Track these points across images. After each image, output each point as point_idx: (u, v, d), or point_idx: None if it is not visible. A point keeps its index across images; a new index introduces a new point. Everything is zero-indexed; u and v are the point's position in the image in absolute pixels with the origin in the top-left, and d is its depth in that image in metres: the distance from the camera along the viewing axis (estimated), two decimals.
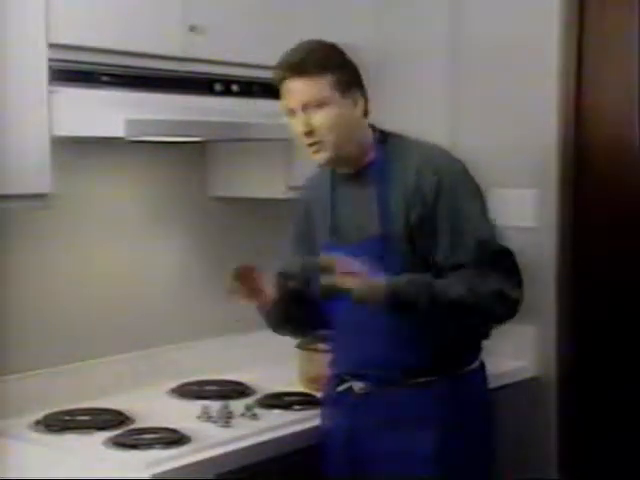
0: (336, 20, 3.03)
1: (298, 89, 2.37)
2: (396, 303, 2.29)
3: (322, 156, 2.41)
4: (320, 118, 2.36)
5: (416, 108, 3.33)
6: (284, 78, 2.39)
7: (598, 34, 3.31)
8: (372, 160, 2.46)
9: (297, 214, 2.65)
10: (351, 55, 2.45)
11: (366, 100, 2.46)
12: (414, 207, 2.37)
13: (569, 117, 3.34)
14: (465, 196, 2.39)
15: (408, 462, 2.40)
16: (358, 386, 2.47)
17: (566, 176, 3.36)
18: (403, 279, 2.31)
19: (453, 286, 2.31)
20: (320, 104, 2.36)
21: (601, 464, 3.32)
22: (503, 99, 3.45)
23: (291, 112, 2.40)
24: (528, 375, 3.35)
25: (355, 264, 2.25)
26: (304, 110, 2.37)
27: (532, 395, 3.35)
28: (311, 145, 2.40)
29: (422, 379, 2.40)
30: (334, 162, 2.45)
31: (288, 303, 2.50)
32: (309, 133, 2.38)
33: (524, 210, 3.35)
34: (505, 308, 2.38)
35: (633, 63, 3.26)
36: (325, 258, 2.28)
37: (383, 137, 2.49)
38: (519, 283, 2.40)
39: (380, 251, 2.37)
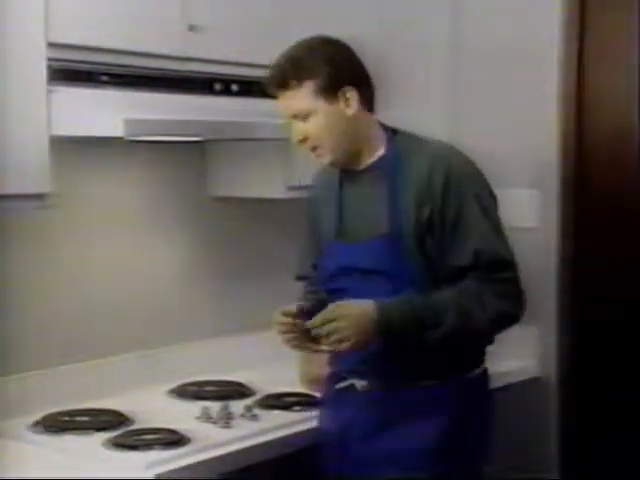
0: (336, 21, 3.03)
1: (282, 103, 2.39)
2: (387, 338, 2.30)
3: (324, 160, 2.43)
4: (309, 127, 2.37)
5: (416, 108, 3.32)
6: (271, 91, 2.41)
7: (598, 34, 3.31)
8: (381, 157, 2.43)
9: (307, 212, 2.65)
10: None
11: (367, 94, 2.42)
12: (425, 206, 2.33)
13: (569, 117, 3.34)
14: (470, 199, 2.34)
15: (408, 460, 2.38)
16: (360, 384, 2.45)
17: (567, 176, 3.36)
18: (394, 313, 2.28)
19: (447, 314, 2.28)
20: (305, 115, 2.37)
21: (601, 464, 3.32)
22: (503, 99, 3.46)
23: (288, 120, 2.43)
24: (529, 375, 3.35)
25: (353, 308, 2.27)
26: (295, 119, 2.39)
27: (532, 395, 3.35)
28: (311, 150, 2.42)
29: (423, 382, 2.38)
30: (339, 162, 2.45)
31: None
32: (304, 140, 2.39)
33: (524, 210, 3.35)
34: (505, 326, 2.39)
35: (633, 63, 3.26)
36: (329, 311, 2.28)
37: (392, 134, 2.46)
38: (519, 296, 2.38)
39: (388, 250, 2.36)
